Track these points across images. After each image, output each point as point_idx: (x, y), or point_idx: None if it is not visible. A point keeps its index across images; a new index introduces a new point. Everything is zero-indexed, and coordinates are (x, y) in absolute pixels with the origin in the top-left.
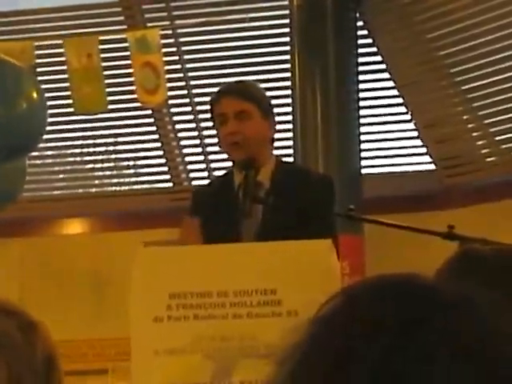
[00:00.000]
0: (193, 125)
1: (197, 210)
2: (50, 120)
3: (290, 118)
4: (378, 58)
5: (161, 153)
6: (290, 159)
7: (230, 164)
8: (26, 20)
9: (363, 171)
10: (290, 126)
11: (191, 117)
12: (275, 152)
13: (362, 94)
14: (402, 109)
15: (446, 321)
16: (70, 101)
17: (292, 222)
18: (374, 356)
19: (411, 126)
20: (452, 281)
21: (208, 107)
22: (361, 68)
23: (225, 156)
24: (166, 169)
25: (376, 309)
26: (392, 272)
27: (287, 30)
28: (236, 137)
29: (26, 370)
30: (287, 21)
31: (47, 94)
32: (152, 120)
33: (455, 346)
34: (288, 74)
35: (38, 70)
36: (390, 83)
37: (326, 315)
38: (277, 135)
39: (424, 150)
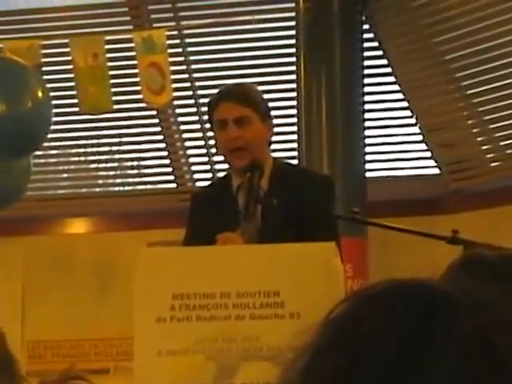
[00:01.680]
0: (198, 126)
1: (196, 212)
2: (54, 119)
3: (294, 120)
4: (384, 62)
5: (165, 153)
6: (295, 162)
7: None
8: (33, 19)
9: (368, 175)
10: (294, 129)
11: (196, 118)
12: (280, 155)
13: (367, 98)
14: (407, 113)
15: (459, 323)
16: (75, 100)
17: (291, 223)
18: (386, 356)
19: (416, 130)
20: (456, 284)
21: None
22: (366, 71)
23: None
24: (170, 169)
25: (388, 311)
26: (397, 275)
27: (293, 32)
28: (237, 142)
29: None
30: (293, 23)
31: (53, 93)
32: (157, 120)
33: (466, 346)
34: (293, 77)
35: (44, 68)
36: (396, 87)
37: (339, 316)
38: (281, 138)
39: (429, 154)
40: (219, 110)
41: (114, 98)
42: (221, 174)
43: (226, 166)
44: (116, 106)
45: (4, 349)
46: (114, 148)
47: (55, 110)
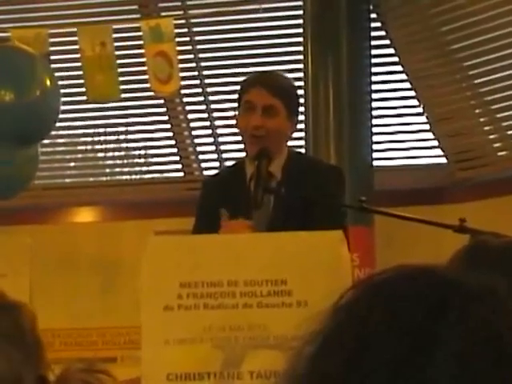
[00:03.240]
0: (205, 115)
1: (206, 199)
2: (62, 108)
3: (301, 109)
4: (391, 51)
5: (173, 142)
6: (302, 151)
7: (241, 154)
8: (40, 8)
9: (375, 163)
10: (301, 118)
11: (203, 107)
12: (287, 144)
13: (374, 87)
14: (415, 102)
15: (469, 310)
16: (82, 89)
17: (302, 213)
18: (395, 343)
19: (423, 119)
20: (461, 271)
21: (219, 96)
22: (374, 60)
23: (237, 146)
24: (177, 158)
25: (397, 298)
26: (404, 263)
27: (300, 21)
28: (259, 131)
29: (16, 351)
30: (301, 12)
31: (60, 82)
32: (164, 109)
33: (477, 335)
34: (301, 65)
35: (52, 57)
36: (403, 76)
37: (347, 303)
38: None
39: (436, 143)
40: (252, 92)
41: (122, 87)
42: (228, 163)
43: (233, 154)
44: (123, 95)
45: (34, 334)
46: (122, 137)
47: (63, 99)
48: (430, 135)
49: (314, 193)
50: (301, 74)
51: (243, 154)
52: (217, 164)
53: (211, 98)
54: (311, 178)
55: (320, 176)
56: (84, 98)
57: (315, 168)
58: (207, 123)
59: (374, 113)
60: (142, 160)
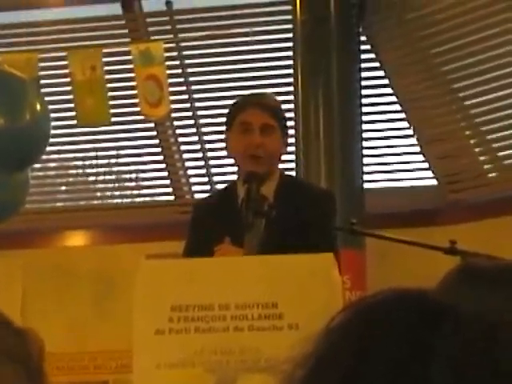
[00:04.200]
0: (195, 138)
1: (197, 223)
2: (53, 132)
3: (292, 131)
4: (381, 73)
5: (163, 166)
6: (293, 173)
7: (232, 177)
8: (30, 32)
9: (365, 186)
10: (292, 140)
11: (194, 130)
12: (278, 166)
13: (364, 109)
14: (405, 124)
15: (460, 335)
16: (73, 113)
17: (294, 235)
18: (388, 366)
19: (414, 141)
20: (453, 294)
21: (210, 120)
22: (363, 83)
23: (227, 169)
24: (168, 182)
25: (389, 320)
26: (396, 286)
27: (290, 44)
28: (259, 150)
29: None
30: (290, 35)
31: (51, 106)
32: (155, 133)
33: (468, 359)
34: (291, 89)
35: (42, 81)
36: (393, 98)
37: (339, 326)
38: None
39: (426, 165)
40: (247, 113)
41: (112, 111)
42: (219, 186)
43: (224, 177)
44: (114, 119)
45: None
46: (113, 160)
47: (53, 123)
48: (420, 157)
49: (306, 216)
50: (291, 97)
51: (234, 177)
52: (207, 187)
53: (201, 121)
54: (303, 201)
55: (312, 199)
56: (75, 121)
57: (307, 191)
58: (197, 146)
59: (365, 135)
60: (133, 183)
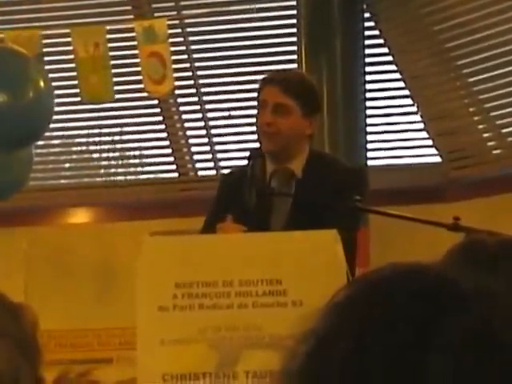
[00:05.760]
0: (199, 115)
1: (217, 198)
2: (56, 109)
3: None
4: (385, 50)
5: (167, 143)
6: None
7: (236, 154)
8: (34, 9)
9: (369, 163)
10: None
11: (197, 107)
12: None
13: (368, 86)
14: (409, 101)
15: (463, 313)
16: (76, 90)
17: (318, 212)
18: (391, 341)
19: (417, 118)
20: (456, 270)
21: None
22: (367, 60)
23: (231, 146)
24: (172, 159)
25: (392, 296)
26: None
27: (294, 21)
28: (270, 128)
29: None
30: (294, 12)
31: (54, 83)
32: (158, 110)
33: (470, 334)
34: (295, 66)
35: (46, 58)
36: (397, 75)
37: (342, 301)
38: None
39: (430, 142)
40: (265, 90)
41: (116, 88)
42: (223, 163)
43: (228, 154)
44: (117, 96)
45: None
46: (116, 138)
47: (57, 100)
48: (424, 134)
49: (332, 194)
50: None
51: (238, 154)
52: (211, 164)
53: (205, 98)
54: (331, 177)
55: (339, 177)
56: (78, 98)
57: (335, 169)
58: (201, 123)
59: (368, 112)
60: (137, 161)
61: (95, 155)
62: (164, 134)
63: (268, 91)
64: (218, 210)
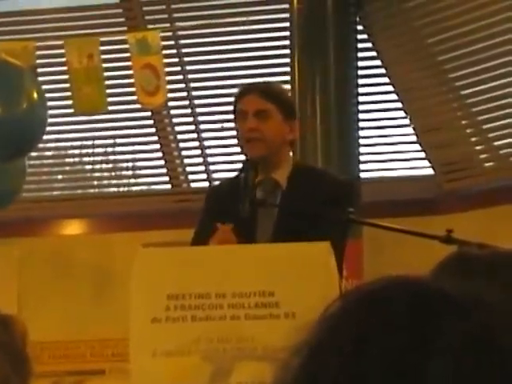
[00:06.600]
0: (192, 127)
1: (205, 210)
2: (49, 120)
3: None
4: (378, 63)
5: (160, 154)
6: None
7: (229, 166)
8: (28, 20)
9: (362, 175)
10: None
11: (191, 119)
12: None
13: (361, 98)
14: (401, 113)
15: (459, 316)
16: (70, 101)
17: (305, 224)
18: (385, 354)
19: (410, 130)
20: (452, 278)
21: (206, 109)
22: (360, 72)
23: (224, 158)
24: (164, 170)
25: (386, 308)
26: (392, 273)
27: (287, 33)
28: (253, 133)
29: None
30: (287, 24)
31: (48, 95)
32: (151, 121)
33: (468, 338)
34: (288, 78)
35: (39, 70)
36: (390, 88)
37: (335, 313)
38: None
39: (423, 154)
40: (243, 100)
41: (109, 99)
42: (216, 175)
43: (221, 166)
44: (111, 107)
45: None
46: (109, 149)
47: (50, 112)
48: (417, 146)
49: (320, 205)
50: (288, 86)
51: (231, 166)
52: (204, 176)
53: (198, 110)
54: (318, 190)
55: (328, 189)
56: (71, 110)
57: (322, 181)
58: (194, 135)
59: (361, 124)
60: (130, 172)
61: (88, 167)
62: (157, 146)
63: (246, 100)
64: (208, 221)
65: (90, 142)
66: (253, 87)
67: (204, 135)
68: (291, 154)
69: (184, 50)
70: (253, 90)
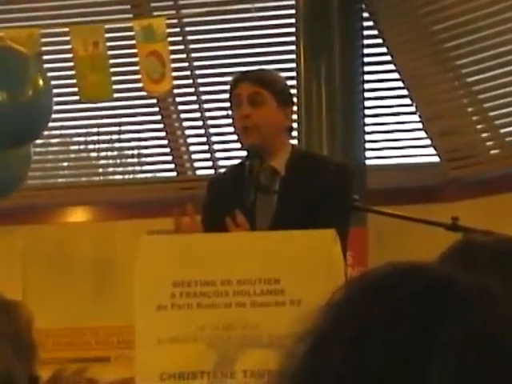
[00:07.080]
0: (198, 114)
1: (209, 198)
2: (55, 108)
3: (294, 108)
4: (384, 50)
5: (165, 142)
6: None
7: (234, 154)
8: (33, 7)
9: (367, 162)
10: (294, 117)
11: (196, 106)
12: None
13: (367, 86)
14: (407, 101)
15: (462, 308)
16: (75, 89)
17: (304, 211)
18: (389, 341)
19: (416, 118)
20: (455, 267)
21: (212, 96)
22: (366, 59)
23: (229, 146)
24: (170, 158)
25: (390, 295)
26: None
27: (293, 20)
28: (247, 121)
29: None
30: (293, 11)
31: (53, 82)
32: (157, 109)
33: (471, 331)
34: (293, 65)
35: (44, 57)
36: (395, 75)
37: (341, 301)
38: None
39: (428, 142)
40: (238, 87)
41: (114, 87)
42: (221, 163)
43: (226, 154)
44: (116, 95)
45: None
46: (115, 137)
47: (55, 99)
48: (422, 134)
49: (318, 190)
50: (293, 74)
51: (236, 153)
52: (210, 164)
53: (204, 97)
54: (316, 174)
55: (324, 175)
56: (77, 97)
57: (321, 165)
58: (200, 123)
59: (367, 112)
60: (135, 160)
61: (93, 154)
62: (162, 133)
63: (241, 86)
64: (208, 211)
65: (95, 130)
66: (247, 74)
67: (209, 123)
68: (291, 141)
69: (189, 38)
70: (247, 76)
